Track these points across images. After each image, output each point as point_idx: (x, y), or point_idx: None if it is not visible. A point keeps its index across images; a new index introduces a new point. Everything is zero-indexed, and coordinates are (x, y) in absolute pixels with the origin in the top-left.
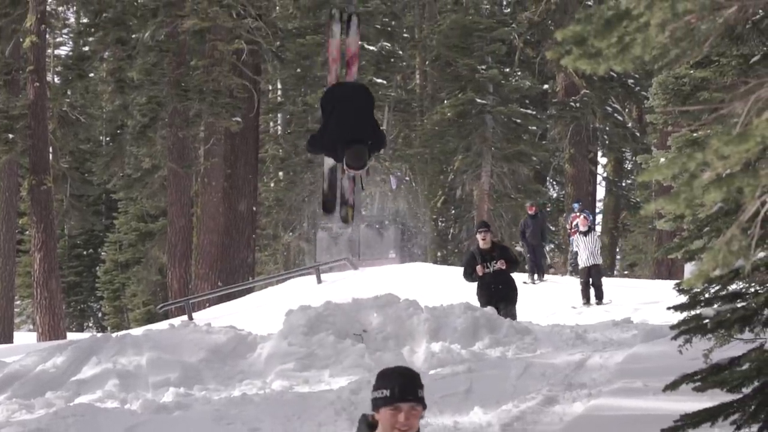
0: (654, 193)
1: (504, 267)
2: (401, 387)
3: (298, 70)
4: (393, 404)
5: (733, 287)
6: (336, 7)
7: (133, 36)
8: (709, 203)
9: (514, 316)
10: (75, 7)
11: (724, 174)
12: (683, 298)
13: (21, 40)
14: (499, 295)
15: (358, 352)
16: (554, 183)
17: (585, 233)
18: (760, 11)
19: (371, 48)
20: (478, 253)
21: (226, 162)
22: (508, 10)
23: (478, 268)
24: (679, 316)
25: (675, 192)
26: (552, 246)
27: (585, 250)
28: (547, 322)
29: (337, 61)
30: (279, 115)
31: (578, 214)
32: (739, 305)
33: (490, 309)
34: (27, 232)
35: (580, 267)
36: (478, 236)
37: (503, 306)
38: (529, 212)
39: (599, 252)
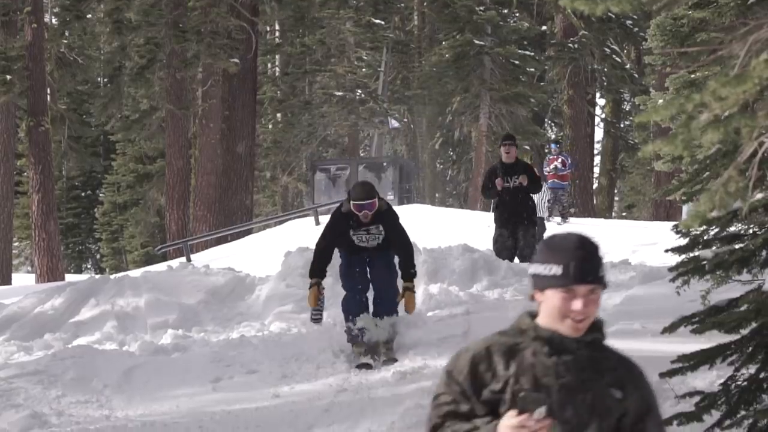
0: (652, 134)
1: (525, 183)
2: (579, 263)
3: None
4: (567, 286)
5: (731, 229)
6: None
7: None
8: (707, 145)
9: (533, 240)
10: None
11: (722, 115)
12: (681, 240)
13: None
14: (517, 216)
15: None
16: (552, 124)
17: None
18: None
19: None
20: (500, 167)
21: (224, 104)
22: None
23: (498, 181)
24: (677, 257)
25: (673, 134)
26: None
27: None
28: None
29: None
30: (277, 57)
31: (556, 156)
32: (737, 247)
33: (488, 251)
34: (25, 174)
35: None
36: (502, 149)
37: (522, 229)
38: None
39: (546, 205)
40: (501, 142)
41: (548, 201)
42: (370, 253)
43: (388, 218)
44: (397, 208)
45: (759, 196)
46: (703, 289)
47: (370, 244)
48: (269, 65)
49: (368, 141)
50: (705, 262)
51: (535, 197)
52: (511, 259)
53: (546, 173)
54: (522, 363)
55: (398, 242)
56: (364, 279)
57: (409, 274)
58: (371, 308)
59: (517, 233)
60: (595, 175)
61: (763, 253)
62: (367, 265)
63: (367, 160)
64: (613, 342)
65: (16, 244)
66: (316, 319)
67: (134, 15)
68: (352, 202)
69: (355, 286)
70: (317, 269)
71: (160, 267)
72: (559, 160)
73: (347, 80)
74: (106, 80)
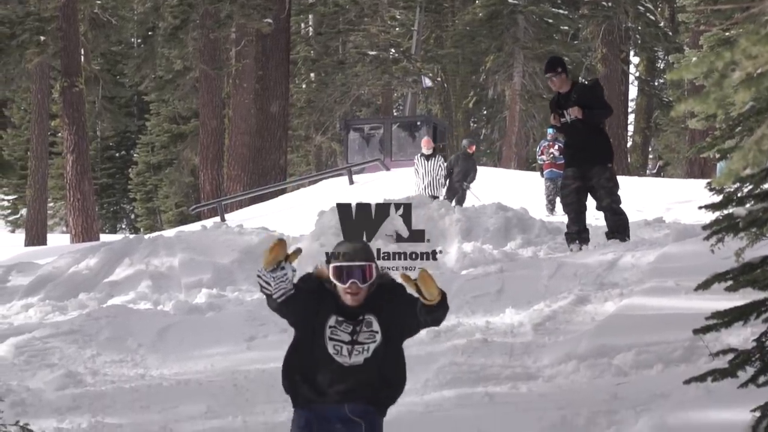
0: (686, 92)
1: (580, 116)
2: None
3: None
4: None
5: (765, 186)
6: None
7: None
8: (739, 103)
9: (610, 185)
10: None
11: (754, 73)
12: (715, 198)
13: None
14: (582, 154)
15: None
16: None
17: (428, 157)
18: None
19: None
20: (556, 99)
21: (258, 63)
22: None
23: (552, 118)
24: (711, 215)
25: (705, 92)
26: None
27: (425, 176)
28: None
29: None
30: (310, 16)
31: (552, 143)
32: None
33: (521, 209)
34: (59, 135)
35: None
36: (548, 82)
37: (596, 173)
38: (468, 151)
39: (442, 183)
40: (544, 72)
41: (443, 178)
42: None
43: (392, 297)
44: None
45: None
46: (738, 247)
47: (353, 359)
48: (302, 25)
49: (401, 100)
50: (739, 219)
51: (431, 173)
52: (578, 208)
53: (541, 162)
54: None
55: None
56: None
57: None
58: None
59: (588, 178)
60: (629, 133)
61: None
62: None
63: (400, 119)
64: (647, 299)
65: (50, 204)
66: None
67: None
68: (332, 264)
69: None
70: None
71: (194, 227)
72: (556, 147)
73: (380, 40)
74: (139, 41)
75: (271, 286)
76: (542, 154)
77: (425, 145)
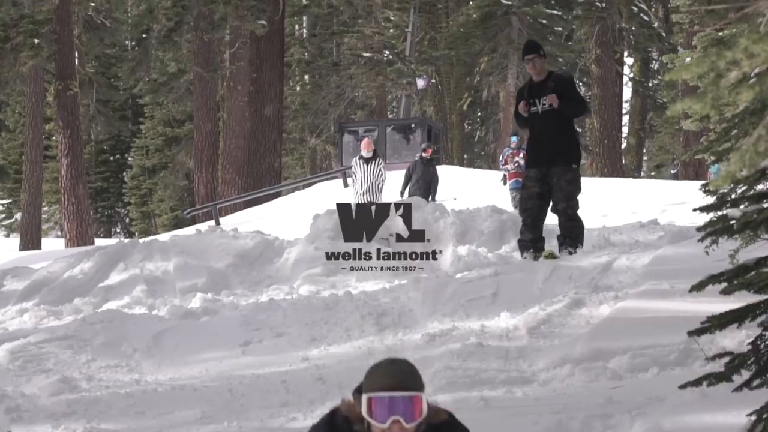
0: (680, 93)
1: (556, 105)
2: None
3: None
4: None
5: (759, 187)
6: None
7: None
8: (741, 103)
9: (571, 188)
10: None
11: (750, 73)
12: (710, 199)
13: None
14: (544, 152)
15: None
16: (580, 84)
17: (367, 160)
18: None
19: None
20: (527, 87)
21: (252, 66)
22: None
23: (521, 105)
24: (706, 217)
25: (702, 92)
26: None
27: (364, 181)
28: None
29: None
30: (304, 18)
31: (517, 151)
32: (765, 205)
33: (515, 212)
34: (54, 138)
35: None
36: (527, 66)
37: (556, 173)
38: (425, 155)
39: (381, 187)
40: (523, 56)
41: (383, 183)
42: None
43: None
44: None
45: None
46: (732, 249)
47: None
48: (296, 27)
49: (396, 102)
50: (733, 221)
51: (369, 177)
52: (537, 215)
53: (506, 172)
54: None
55: None
56: None
57: None
58: None
59: (549, 177)
60: (624, 135)
61: None
62: None
63: (395, 121)
64: (642, 302)
65: (45, 208)
66: None
67: None
68: (366, 394)
69: None
70: None
71: (189, 231)
72: (521, 155)
73: (375, 41)
74: (133, 43)
75: None
76: (506, 163)
77: (365, 147)
